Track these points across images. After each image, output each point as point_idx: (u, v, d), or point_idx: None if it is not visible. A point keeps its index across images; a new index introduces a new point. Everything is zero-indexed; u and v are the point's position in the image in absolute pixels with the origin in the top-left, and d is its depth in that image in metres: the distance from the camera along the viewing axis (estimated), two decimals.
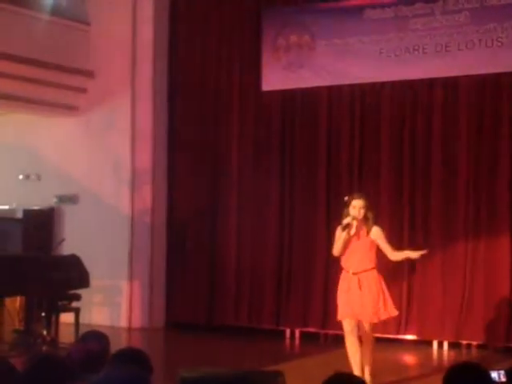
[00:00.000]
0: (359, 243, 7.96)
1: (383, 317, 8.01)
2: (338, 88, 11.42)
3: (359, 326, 7.99)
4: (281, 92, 11.78)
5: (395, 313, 8.16)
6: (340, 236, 7.95)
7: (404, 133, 11.04)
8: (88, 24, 12.73)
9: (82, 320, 10.50)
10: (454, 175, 10.74)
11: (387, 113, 11.15)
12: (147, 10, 12.52)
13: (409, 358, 10.63)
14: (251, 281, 11.85)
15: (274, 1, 12.00)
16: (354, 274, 7.91)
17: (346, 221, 7.88)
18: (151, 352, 4.51)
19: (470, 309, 10.52)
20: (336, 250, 8.05)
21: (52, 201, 13.04)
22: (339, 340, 10.91)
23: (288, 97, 11.78)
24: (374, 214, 8.08)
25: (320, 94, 11.55)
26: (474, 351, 10.54)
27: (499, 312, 10.39)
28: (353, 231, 7.92)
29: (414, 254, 8.04)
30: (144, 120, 12.52)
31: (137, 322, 12.24)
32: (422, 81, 10.90)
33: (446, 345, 10.69)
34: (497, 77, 10.51)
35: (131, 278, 12.34)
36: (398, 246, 10.82)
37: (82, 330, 5.43)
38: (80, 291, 10.58)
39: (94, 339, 4.72)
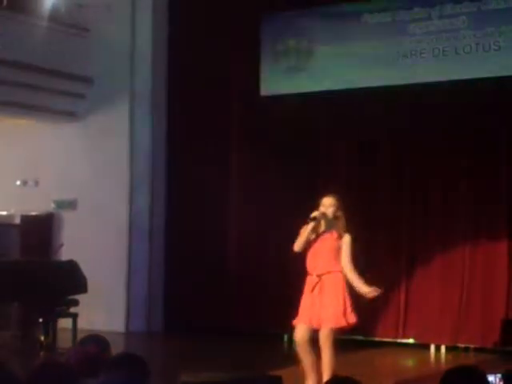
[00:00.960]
0: (326, 244, 7.52)
1: (341, 324, 7.44)
2: (337, 93, 11.43)
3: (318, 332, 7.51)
4: (279, 97, 11.79)
5: (353, 320, 7.50)
6: (304, 230, 7.53)
7: (402, 138, 11.05)
8: (87, 30, 12.74)
9: (80, 325, 10.48)
10: (454, 178, 10.75)
11: (385, 117, 11.16)
12: (146, 17, 12.54)
13: (406, 362, 10.63)
14: (251, 284, 11.83)
15: (273, 6, 11.99)
16: (317, 275, 7.46)
17: (313, 214, 7.46)
18: (150, 356, 4.52)
19: (467, 312, 10.54)
20: (297, 244, 7.57)
21: (50, 206, 13.04)
22: (338, 344, 10.96)
23: (287, 101, 11.78)
24: (345, 215, 7.60)
25: (318, 99, 11.56)
26: (471, 355, 10.54)
27: (496, 315, 10.41)
28: (322, 228, 7.53)
29: (365, 289, 7.43)
30: (142, 126, 12.53)
31: (135, 327, 12.23)
32: (419, 85, 10.91)
33: (443, 348, 10.70)
34: (495, 81, 10.52)
35: (129, 282, 12.34)
36: (396, 246, 10.89)
37: (80, 336, 5.44)
38: (78, 296, 10.58)
39: (93, 343, 4.72)
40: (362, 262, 10.15)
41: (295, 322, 7.69)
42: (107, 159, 12.55)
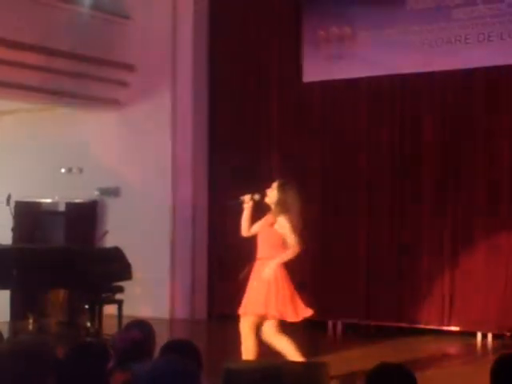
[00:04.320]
0: (264, 230, 7.67)
1: (259, 311, 7.55)
2: (379, 79, 11.35)
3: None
4: (321, 83, 11.74)
5: (308, 313, 7.66)
6: (243, 216, 7.71)
7: (446, 123, 10.94)
8: (128, 18, 12.78)
9: (125, 312, 10.54)
10: (498, 164, 10.62)
11: (429, 103, 11.06)
12: (187, 3, 12.54)
13: (452, 350, 10.52)
14: (293, 271, 11.79)
15: None
16: (258, 259, 7.66)
17: (242, 197, 7.68)
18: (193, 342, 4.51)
19: None
20: (242, 229, 7.83)
21: (94, 194, 13.13)
22: (382, 331, 10.92)
23: (329, 88, 11.73)
24: (292, 200, 7.62)
25: (361, 85, 11.49)
26: None
27: None
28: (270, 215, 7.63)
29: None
30: (184, 113, 12.56)
31: (179, 314, 12.28)
32: (463, 71, 10.79)
33: (489, 336, 10.55)
34: None
35: (173, 269, 12.39)
36: (439, 236, 10.80)
37: (126, 322, 5.47)
38: (123, 283, 10.65)
39: (137, 329, 4.74)
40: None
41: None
42: (150, 146, 12.60)
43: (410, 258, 11.02)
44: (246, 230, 7.76)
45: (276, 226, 7.54)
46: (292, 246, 7.52)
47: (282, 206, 7.56)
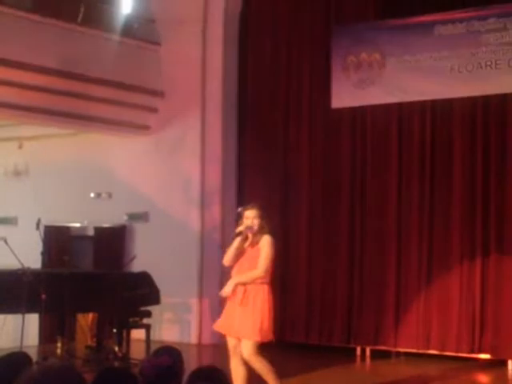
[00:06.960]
0: (251, 256, 7.52)
1: (265, 338, 7.44)
2: (409, 105, 11.33)
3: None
4: (351, 109, 11.73)
5: (271, 338, 7.50)
6: (231, 244, 7.56)
7: (477, 150, 10.87)
8: (158, 44, 12.88)
9: (152, 336, 10.57)
10: None
11: (459, 129, 11.01)
12: (217, 30, 12.61)
13: (483, 378, 10.40)
14: (322, 298, 11.77)
15: (343, 18, 11.97)
16: (241, 285, 7.50)
17: (238, 229, 7.51)
18: (222, 369, 4.50)
19: None
20: (226, 258, 7.59)
21: (123, 219, 13.18)
22: (411, 358, 10.82)
23: (358, 114, 11.72)
24: (271, 224, 7.64)
25: (390, 111, 11.48)
26: None
27: None
28: (247, 243, 7.54)
29: (225, 289, 7.62)
30: (214, 139, 12.59)
31: (207, 339, 12.25)
32: (494, 97, 10.75)
33: None
34: None
35: (201, 294, 12.37)
36: (471, 256, 10.69)
37: (153, 347, 5.46)
38: (151, 308, 10.66)
39: (166, 354, 4.72)
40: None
41: (218, 328, 7.92)
42: (179, 172, 12.64)
43: (440, 284, 10.94)
44: (231, 259, 7.58)
45: (260, 245, 7.50)
46: (259, 268, 7.45)
47: (264, 230, 7.56)
